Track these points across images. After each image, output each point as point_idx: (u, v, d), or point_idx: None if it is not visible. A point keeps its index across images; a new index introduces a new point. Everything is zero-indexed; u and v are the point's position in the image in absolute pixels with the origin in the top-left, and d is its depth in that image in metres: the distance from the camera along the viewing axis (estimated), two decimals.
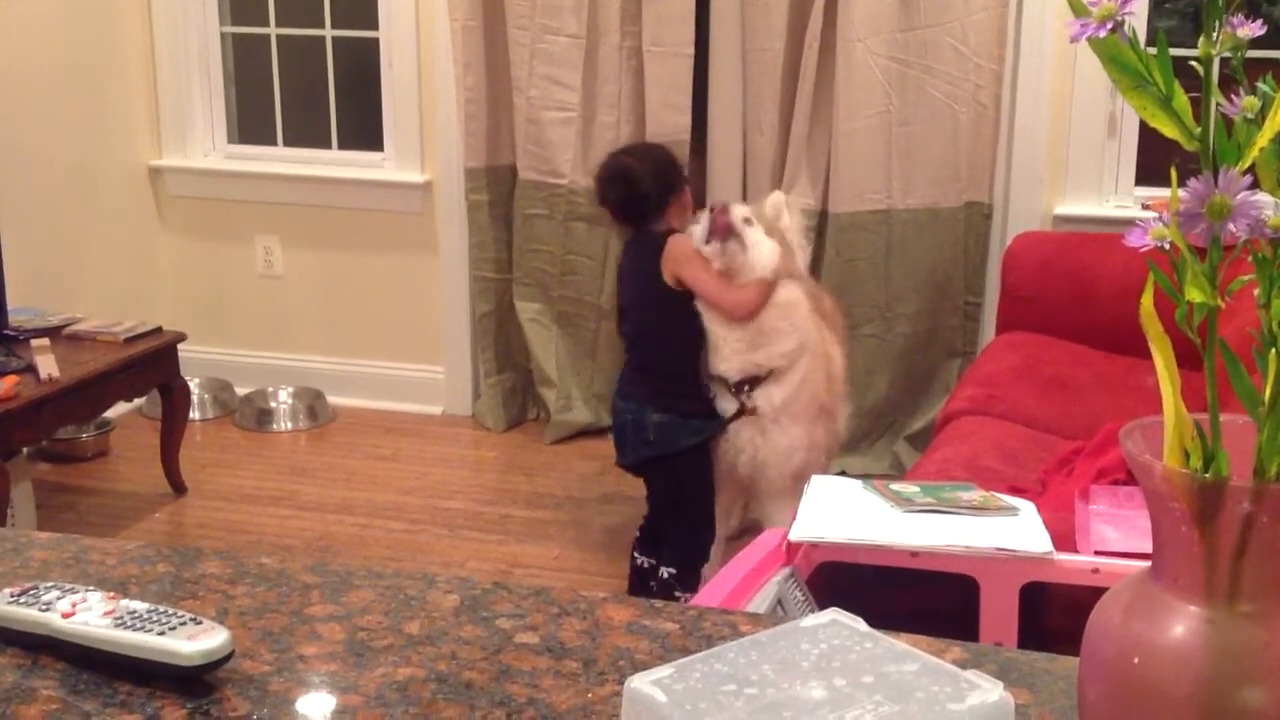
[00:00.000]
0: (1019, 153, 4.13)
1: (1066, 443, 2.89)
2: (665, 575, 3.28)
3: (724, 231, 3.13)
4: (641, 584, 3.32)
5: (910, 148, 4.09)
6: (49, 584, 0.98)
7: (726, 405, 3.23)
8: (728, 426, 3.23)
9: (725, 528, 3.41)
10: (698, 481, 3.30)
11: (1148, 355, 0.67)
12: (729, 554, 2.74)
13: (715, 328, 3.19)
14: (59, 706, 0.88)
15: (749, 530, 3.32)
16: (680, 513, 3.33)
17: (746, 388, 3.20)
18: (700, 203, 4.20)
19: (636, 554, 3.38)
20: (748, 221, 3.18)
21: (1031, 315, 3.81)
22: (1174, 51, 0.64)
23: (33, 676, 0.92)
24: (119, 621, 0.92)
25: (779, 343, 3.19)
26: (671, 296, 3.21)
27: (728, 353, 3.19)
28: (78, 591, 0.96)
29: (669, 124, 4.25)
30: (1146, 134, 4.03)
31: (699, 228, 3.18)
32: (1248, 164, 0.62)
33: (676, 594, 3.24)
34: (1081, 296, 3.72)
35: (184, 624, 0.91)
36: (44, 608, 0.94)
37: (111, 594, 0.96)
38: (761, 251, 3.16)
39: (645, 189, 3.29)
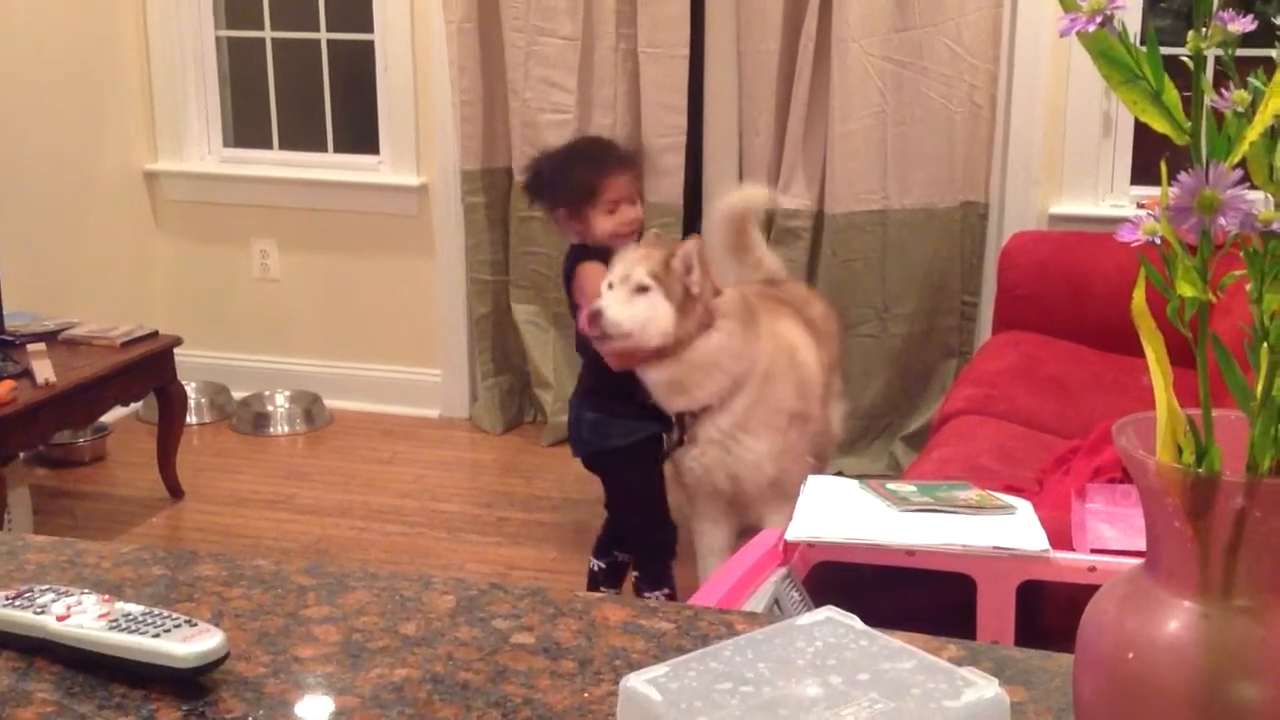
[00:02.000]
0: (1014, 152, 4.13)
1: (1063, 442, 2.89)
2: (634, 577, 3.30)
3: (597, 334, 3.03)
4: (592, 589, 3.32)
5: (906, 148, 4.09)
6: (44, 587, 0.98)
7: (675, 431, 3.22)
8: (674, 451, 3.20)
9: (724, 535, 3.40)
10: (639, 480, 3.29)
11: (1144, 354, 0.67)
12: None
13: (643, 378, 3.15)
14: (55, 709, 0.88)
15: (745, 532, 3.32)
16: (629, 510, 3.35)
17: (688, 419, 3.17)
18: (694, 199, 4.21)
19: (591, 557, 3.41)
20: (643, 289, 3.03)
21: (1028, 315, 3.81)
22: (1168, 50, 0.64)
23: (28, 679, 0.92)
24: (114, 624, 0.92)
25: (705, 386, 3.12)
26: None
27: (655, 393, 3.14)
28: (73, 594, 0.96)
29: (664, 125, 4.25)
30: (1141, 133, 4.04)
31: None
32: (1238, 158, 0.62)
33: (645, 594, 3.25)
34: (1078, 296, 3.72)
35: (179, 626, 0.91)
36: (39, 610, 0.94)
37: (106, 596, 0.96)
38: (647, 322, 3.02)
39: (540, 186, 3.31)
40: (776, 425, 3.20)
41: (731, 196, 3.54)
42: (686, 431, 3.17)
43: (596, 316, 3.01)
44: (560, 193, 3.27)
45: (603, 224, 3.21)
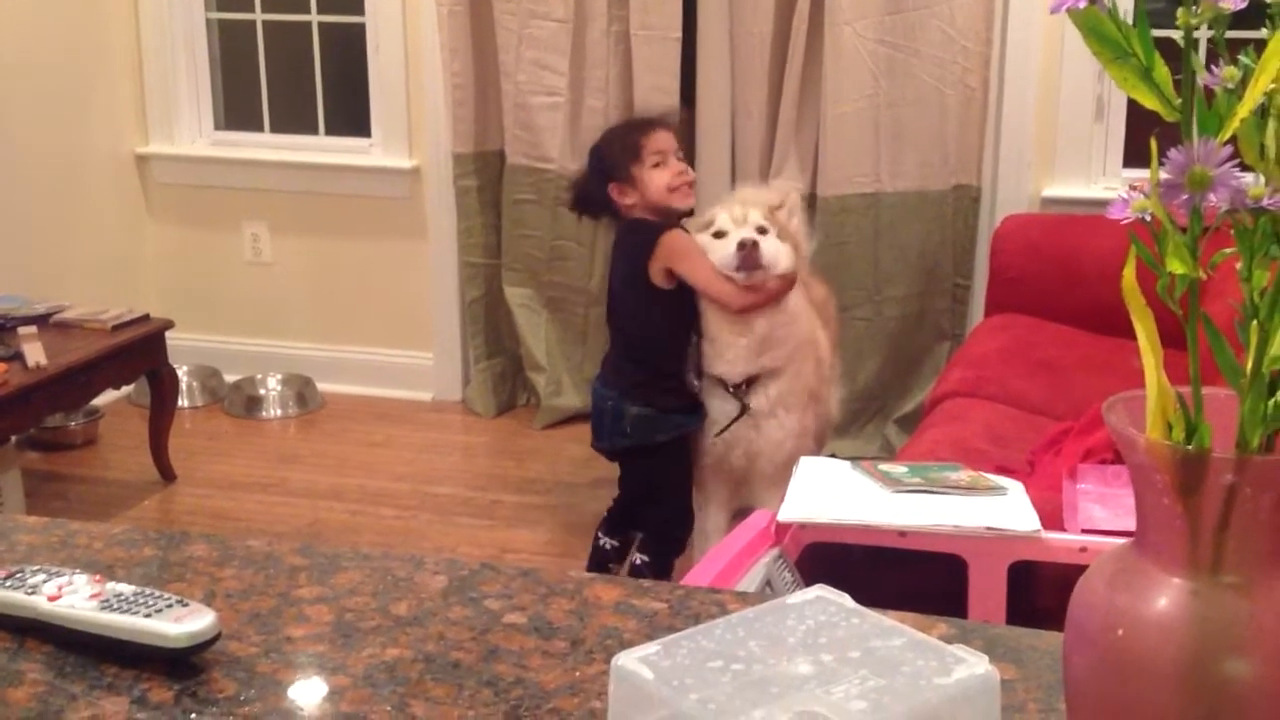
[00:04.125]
0: (1007, 135, 4.13)
1: (1054, 423, 2.90)
2: (638, 561, 3.30)
3: (752, 265, 3.08)
4: (599, 565, 3.31)
5: (898, 131, 4.09)
6: (35, 567, 0.98)
7: (725, 407, 3.21)
8: (730, 426, 3.21)
9: (724, 517, 3.40)
10: (673, 475, 3.30)
11: (1135, 336, 0.67)
12: None
13: (723, 334, 3.16)
14: (46, 689, 0.88)
15: (740, 514, 3.32)
16: (655, 503, 3.32)
17: (744, 386, 3.20)
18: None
19: (600, 534, 3.39)
20: (762, 231, 3.12)
21: (1020, 297, 3.82)
22: (1159, 32, 0.64)
23: (19, 659, 0.92)
24: (105, 604, 0.92)
25: (782, 346, 3.19)
26: (658, 292, 3.18)
27: (732, 357, 3.17)
28: (64, 574, 0.96)
29: (657, 108, 4.24)
30: (1134, 116, 4.04)
31: (724, 253, 3.09)
32: (1228, 135, 0.62)
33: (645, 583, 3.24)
34: (1069, 278, 3.73)
35: (170, 606, 0.91)
36: (30, 590, 0.94)
37: (98, 577, 0.95)
38: (779, 259, 3.12)
39: (580, 191, 3.33)
40: (803, 403, 3.24)
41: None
42: (743, 401, 3.19)
43: (754, 248, 3.06)
44: (606, 165, 3.25)
45: (656, 180, 3.17)
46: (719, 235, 3.12)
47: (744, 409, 3.20)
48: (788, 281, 3.16)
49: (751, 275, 3.09)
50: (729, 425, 3.21)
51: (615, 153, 3.24)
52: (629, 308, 3.29)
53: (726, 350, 3.17)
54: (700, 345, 3.22)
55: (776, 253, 3.12)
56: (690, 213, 3.27)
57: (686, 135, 4.33)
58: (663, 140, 3.22)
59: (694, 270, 3.13)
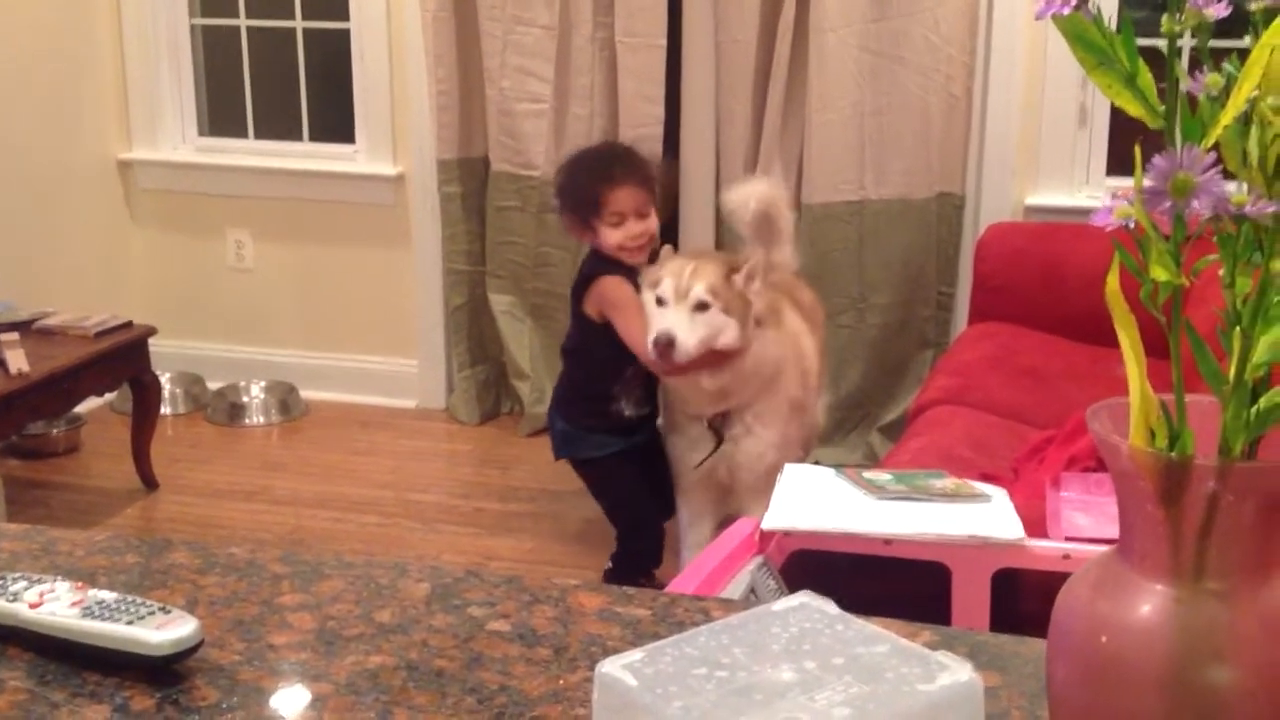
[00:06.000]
0: (990, 143, 4.14)
1: (1038, 431, 2.90)
2: (607, 565, 3.38)
3: (667, 361, 3.00)
4: None
5: (883, 139, 4.10)
6: (16, 574, 0.97)
7: (701, 441, 3.20)
8: (708, 458, 3.21)
9: (708, 528, 3.41)
10: (611, 490, 3.38)
11: (1118, 345, 0.68)
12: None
13: (680, 385, 3.16)
14: (27, 697, 0.87)
15: (725, 522, 3.33)
16: (610, 515, 3.43)
17: (719, 419, 3.19)
18: (673, 200, 4.18)
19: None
20: (703, 306, 2.99)
21: (1003, 305, 3.83)
22: (1144, 42, 0.64)
23: (0, 667, 0.91)
24: (87, 611, 0.91)
25: (747, 386, 3.15)
26: (588, 323, 3.23)
27: (696, 401, 3.17)
28: (45, 581, 0.95)
29: (641, 115, 4.25)
30: (1117, 124, 4.05)
31: (651, 331, 3.00)
32: (1212, 142, 0.62)
33: None
34: (1053, 286, 3.74)
35: (152, 613, 0.91)
36: (11, 598, 0.94)
37: (80, 584, 0.95)
38: (717, 336, 3.02)
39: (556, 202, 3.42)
40: (783, 415, 3.23)
41: (751, 192, 3.43)
42: (718, 432, 3.19)
43: (669, 346, 2.94)
44: (566, 202, 3.32)
45: (609, 237, 3.21)
46: (660, 302, 3.03)
47: (720, 441, 3.20)
48: (725, 356, 3.06)
49: (672, 368, 3.04)
50: (707, 457, 3.22)
51: (578, 198, 3.26)
52: (569, 328, 3.38)
53: (690, 397, 3.17)
54: (646, 379, 3.23)
55: (714, 330, 3.00)
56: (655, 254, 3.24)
57: (669, 143, 4.33)
58: (624, 200, 3.19)
59: (624, 325, 3.12)
